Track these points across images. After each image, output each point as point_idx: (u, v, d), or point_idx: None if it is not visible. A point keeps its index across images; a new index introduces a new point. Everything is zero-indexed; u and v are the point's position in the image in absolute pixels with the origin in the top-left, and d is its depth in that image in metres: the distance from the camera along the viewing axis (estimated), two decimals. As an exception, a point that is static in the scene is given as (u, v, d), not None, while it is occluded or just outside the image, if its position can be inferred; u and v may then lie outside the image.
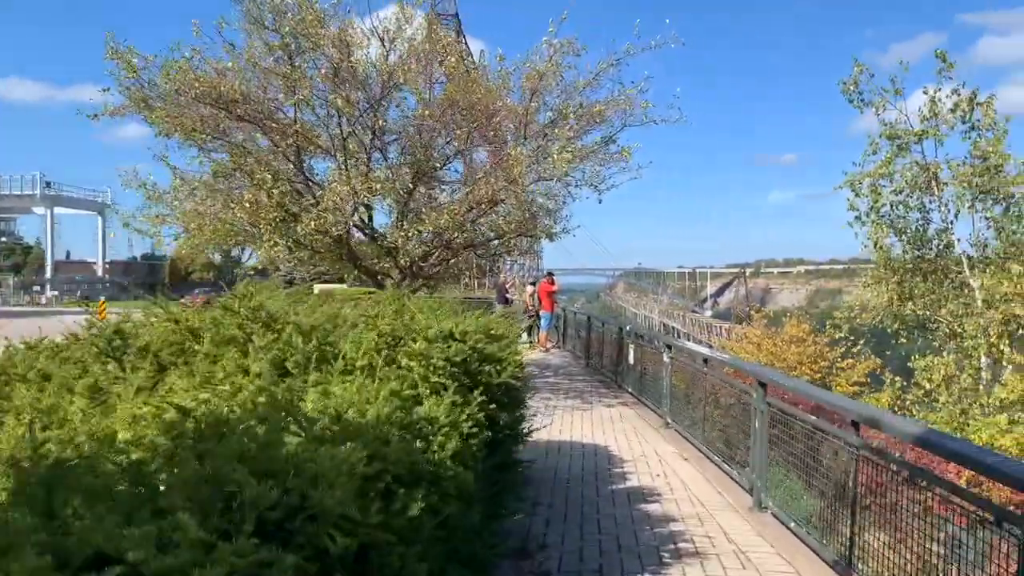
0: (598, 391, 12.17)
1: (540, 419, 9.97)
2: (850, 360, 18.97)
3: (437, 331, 3.83)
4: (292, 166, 9.86)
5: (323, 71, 9.40)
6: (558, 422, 9.63)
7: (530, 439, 8.09)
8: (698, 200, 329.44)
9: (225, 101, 9.46)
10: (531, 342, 19.18)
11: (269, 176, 9.07)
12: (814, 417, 4.98)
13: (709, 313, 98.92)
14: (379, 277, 11.45)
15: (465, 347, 3.85)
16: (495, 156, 10.09)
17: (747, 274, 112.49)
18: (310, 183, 9.67)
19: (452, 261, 12.27)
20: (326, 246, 10.61)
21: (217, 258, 75.32)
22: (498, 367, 4.08)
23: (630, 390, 11.46)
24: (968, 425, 10.52)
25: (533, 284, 19.34)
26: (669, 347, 9.07)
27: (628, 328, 12.13)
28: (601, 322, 14.44)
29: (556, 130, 9.59)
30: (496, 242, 12.02)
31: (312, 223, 9.03)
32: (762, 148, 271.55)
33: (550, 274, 18.50)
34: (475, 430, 3.42)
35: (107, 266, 72.47)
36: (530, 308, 19.13)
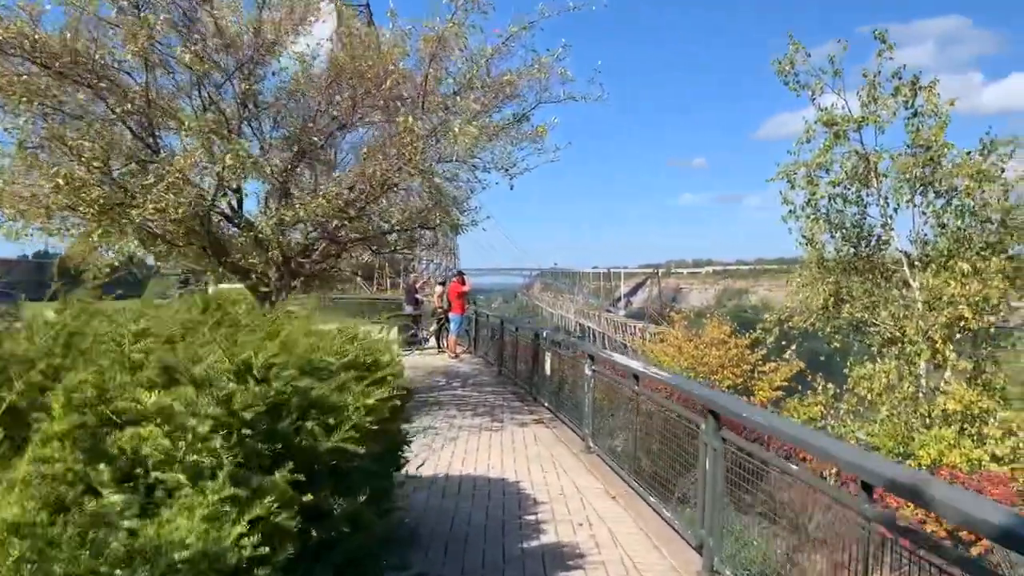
0: (510, 405, 10.73)
1: (441, 443, 8.50)
2: (772, 364, 18.30)
3: (222, 365, 2.25)
4: (133, 137, 7.96)
5: (163, 19, 7.53)
6: (462, 446, 8.12)
7: (426, 473, 6.58)
8: (613, 202, 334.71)
9: (43, 54, 7.52)
10: (440, 348, 17.61)
11: (94, 146, 7.18)
12: (796, 466, 3.66)
13: (623, 312, 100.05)
14: (253, 276, 9.64)
15: (270, 390, 2.29)
16: (386, 131, 8.46)
17: (660, 274, 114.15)
18: (154, 159, 7.76)
19: (341, 257, 10.55)
20: (181, 236, 8.75)
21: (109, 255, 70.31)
22: (333, 419, 2.51)
23: (546, 404, 10.07)
24: (912, 439, 9.64)
25: (442, 284, 17.75)
26: (591, 358, 7.70)
27: (545, 334, 10.74)
28: (515, 326, 13.01)
29: (460, 100, 8.06)
30: (393, 236, 10.37)
31: (151, 205, 7.20)
32: (674, 152, 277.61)
33: (460, 274, 16.96)
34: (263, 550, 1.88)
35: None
36: (439, 310, 17.56)
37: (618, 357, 7.10)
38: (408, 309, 24.56)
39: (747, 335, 18.77)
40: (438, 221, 9.74)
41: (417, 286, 24.35)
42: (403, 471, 4.33)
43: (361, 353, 3.41)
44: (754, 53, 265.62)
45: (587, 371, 7.64)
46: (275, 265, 9.20)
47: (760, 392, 17.21)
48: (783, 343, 15.02)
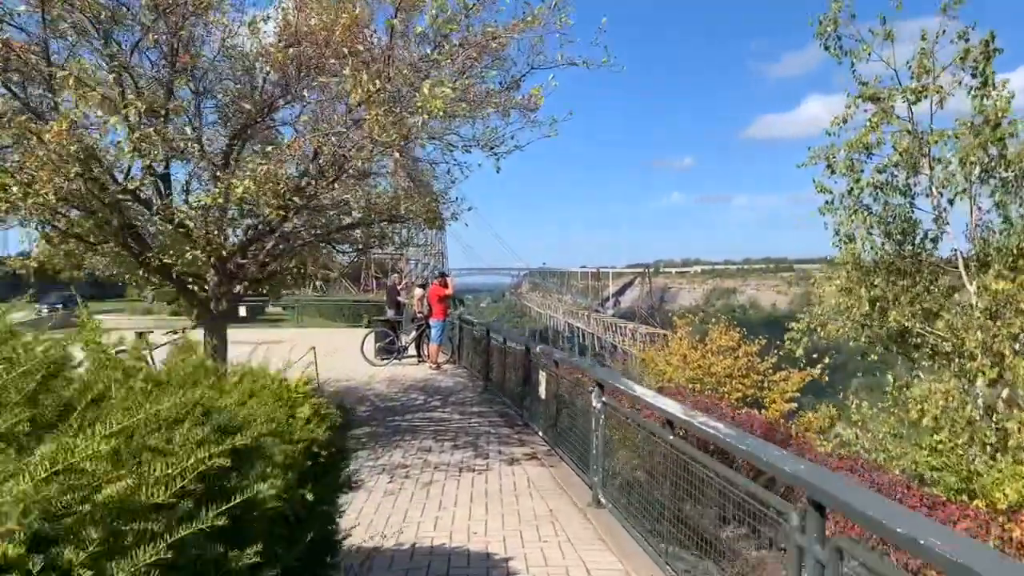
0: (498, 432, 9.03)
1: (410, 491, 6.79)
2: (783, 372, 16.75)
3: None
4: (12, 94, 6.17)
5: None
6: (435, 499, 6.41)
7: (388, 543, 4.91)
8: (600, 202, 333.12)
9: None
10: (420, 357, 15.88)
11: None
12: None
13: (611, 312, 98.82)
14: (187, 282, 7.91)
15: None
16: (339, 96, 6.72)
17: (649, 273, 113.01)
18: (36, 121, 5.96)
19: (293, 257, 8.81)
20: (92, 231, 7.01)
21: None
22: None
23: (541, 434, 8.39)
24: (977, 473, 8.03)
25: (422, 287, 16.03)
26: (601, 386, 6.02)
27: (538, 349, 9.05)
28: (502, 337, 11.30)
29: (435, 54, 6.34)
30: (358, 232, 8.66)
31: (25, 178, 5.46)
32: (661, 152, 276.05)
33: (443, 275, 15.27)
34: None
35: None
36: (418, 315, 15.83)
37: (641, 390, 5.40)
38: (389, 313, 22.87)
39: (754, 341, 17.26)
40: (411, 213, 8.02)
41: (399, 288, 22.59)
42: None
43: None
44: (739, 52, 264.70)
45: (595, 403, 5.96)
46: (211, 267, 7.48)
47: (772, 406, 15.65)
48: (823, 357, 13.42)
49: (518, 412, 9.67)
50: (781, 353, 14.53)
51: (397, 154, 6.80)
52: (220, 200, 6.16)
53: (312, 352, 10.41)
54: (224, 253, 7.38)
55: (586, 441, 6.33)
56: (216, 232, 7.00)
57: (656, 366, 18.24)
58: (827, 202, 9.17)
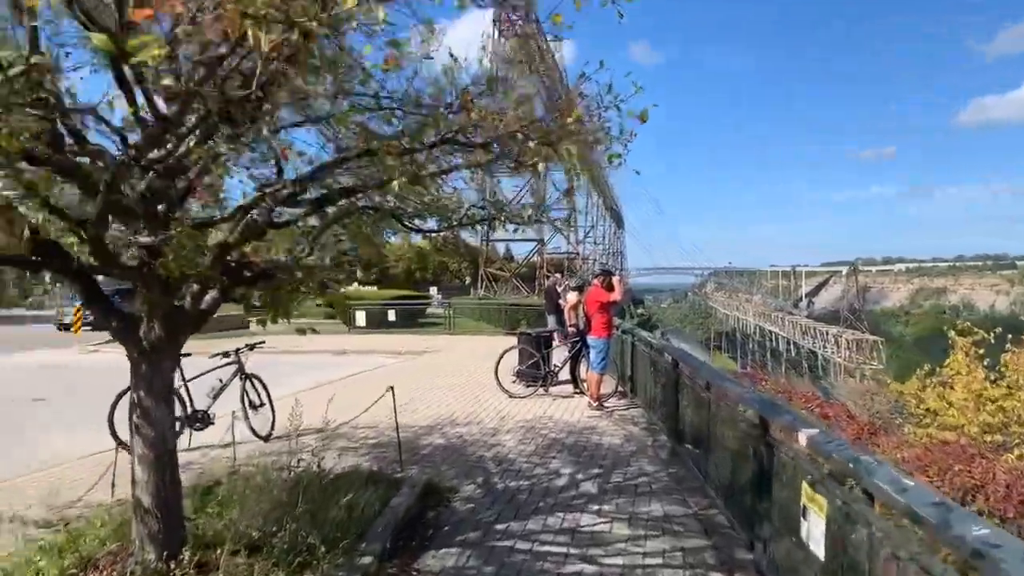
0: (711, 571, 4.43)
1: None
2: None
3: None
4: None
5: None
6: None
7: None
8: (791, 196, 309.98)
9: None
10: (576, 387, 11.43)
11: None
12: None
13: (805, 314, 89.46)
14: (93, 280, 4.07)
15: None
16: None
17: (855, 272, 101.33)
18: None
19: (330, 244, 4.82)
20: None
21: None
22: None
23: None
24: None
25: (578, 290, 11.56)
26: None
27: (805, 436, 4.22)
28: (704, 382, 6.40)
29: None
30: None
31: None
32: (860, 141, 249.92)
33: (606, 272, 10.69)
34: None
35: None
36: (571, 329, 11.38)
37: None
38: (549, 321, 18.71)
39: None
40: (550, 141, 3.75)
41: (559, 290, 18.34)
42: None
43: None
44: (952, 30, 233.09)
45: None
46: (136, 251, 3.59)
47: None
48: None
49: (746, 535, 4.98)
50: None
51: None
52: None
53: (389, 393, 6.41)
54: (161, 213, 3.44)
55: None
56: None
57: (922, 403, 12.50)
58: None
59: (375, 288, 37.27)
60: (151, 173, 3.37)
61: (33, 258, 3.59)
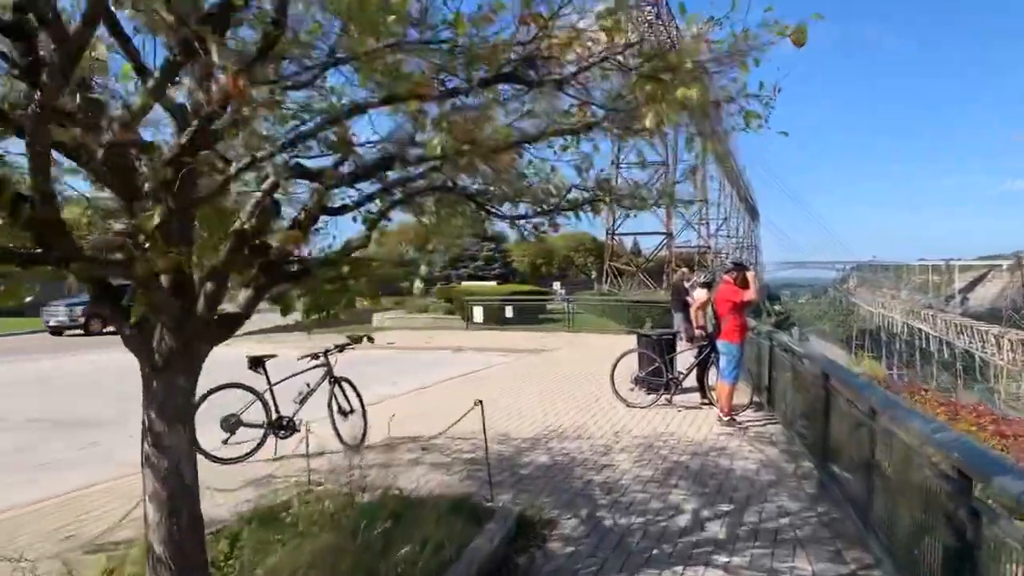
0: None
1: None
2: None
3: None
4: None
5: None
6: None
7: None
8: (943, 185, 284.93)
9: None
10: (704, 396, 10.13)
11: None
12: None
13: (958, 312, 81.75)
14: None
15: None
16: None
17: (1022, 263, 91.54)
18: None
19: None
20: None
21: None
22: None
23: None
24: None
25: (707, 286, 10.21)
26: None
27: (1011, 479, 2.95)
28: (868, 407, 5.02)
29: None
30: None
31: None
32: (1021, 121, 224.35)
33: (739, 266, 9.32)
34: None
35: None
36: (699, 332, 10.03)
37: None
38: (676, 320, 17.36)
39: None
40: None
41: (687, 286, 16.91)
42: None
43: None
44: None
45: None
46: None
47: None
48: None
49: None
50: None
51: None
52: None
53: (479, 408, 5.53)
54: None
55: None
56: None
57: None
58: None
59: (495, 283, 36.83)
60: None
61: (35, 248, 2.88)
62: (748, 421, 8.97)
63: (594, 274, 72.71)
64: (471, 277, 40.77)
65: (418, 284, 3.77)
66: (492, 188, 4.46)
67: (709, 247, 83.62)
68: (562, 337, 22.14)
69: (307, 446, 6.26)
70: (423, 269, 3.75)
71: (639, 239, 77.37)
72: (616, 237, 71.16)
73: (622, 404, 10.02)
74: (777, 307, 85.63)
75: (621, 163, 49.92)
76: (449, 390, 11.97)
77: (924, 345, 75.10)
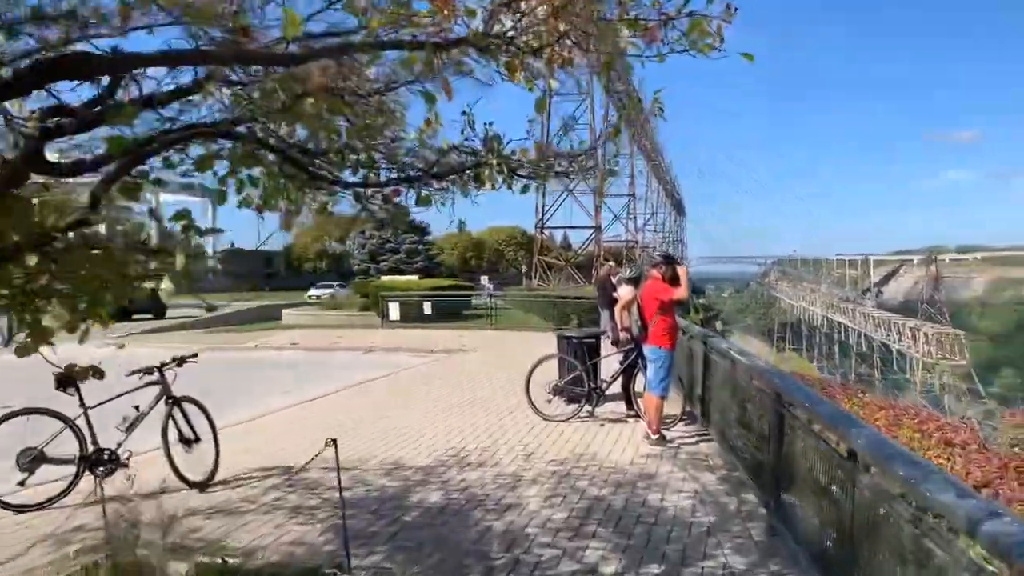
0: None
1: None
2: None
3: None
4: None
5: None
6: None
7: None
8: (858, 183, 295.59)
9: None
10: (630, 408, 8.92)
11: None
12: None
13: (872, 304, 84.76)
14: None
15: None
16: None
17: (935, 260, 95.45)
18: None
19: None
20: None
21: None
22: None
23: None
24: None
25: (633, 281, 8.96)
26: None
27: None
28: (847, 450, 3.79)
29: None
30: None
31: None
32: (936, 124, 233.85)
33: (669, 261, 8.07)
34: None
35: (218, 255, 68.03)
36: (623, 334, 8.74)
37: None
38: (603, 318, 16.23)
39: None
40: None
41: (614, 280, 15.77)
42: None
43: None
44: None
45: None
46: None
47: None
48: None
49: None
50: None
51: None
52: None
53: (331, 447, 4.08)
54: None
55: None
56: None
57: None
58: None
59: (416, 278, 35.11)
60: None
61: None
62: (680, 437, 7.77)
63: (524, 268, 71.73)
64: (392, 271, 38.87)
65: (167, 284, 2.30)
66: (324, 141, 3.07)
67: (637, 241, 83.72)
68: (483, 336, 20.79)
69: (99, 489, 4.70)
70: (181, 261, 2.29)
71: (569, 233, 76.72)
72: (546, 231, 70.28)
73: (539, 417, 8.72)
74: (702, 301, 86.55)
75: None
76: (342, 402, 10.45)
77: (843, 338, 77.13)
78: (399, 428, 8.52)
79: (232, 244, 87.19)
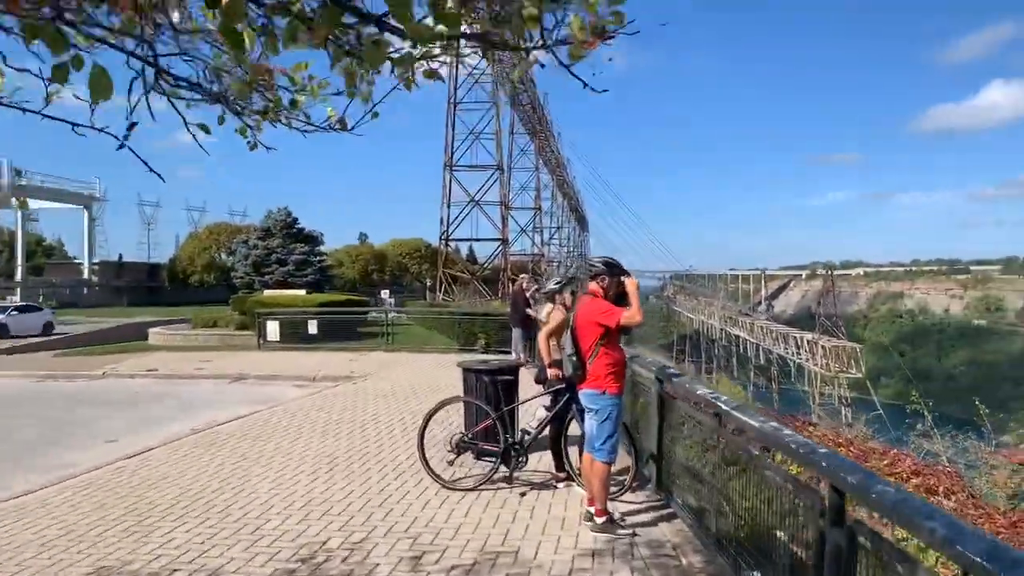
0: None
1: None
2: None
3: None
4: None
5: None
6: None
7: None
8: (750, 201, 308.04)
9: None
10: (564, 472, 6.69)
11: None
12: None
13: (764, 317, 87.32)
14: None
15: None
16: None
17: (831, 274, 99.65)
18: None
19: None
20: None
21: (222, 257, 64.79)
22: None
23: None
24: None
25: (554, 293, 6.76)
26: None
27: None
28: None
29: None
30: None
31: None
32: (819, 147, 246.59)
33: (612, 269, 5.92)
34: None
35: (95, 267, 62.09)
36: (554, 372, 6.52)
37: None
38: (515, 337, 14.34)
39: None
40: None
41: (528, 296, 13.71)
42: None
43: None
44: (910, 36, 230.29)
45: None
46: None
47: None
48: None
49: None
50: None
51: None
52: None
53: None
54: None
55: None
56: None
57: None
58: None
59: (304, 292, 31.83)
60: None
61: None
62: (633, 513, 5.64)
63: (429, 282, 68.95)
64: (280, 284, 35.35)
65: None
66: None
67: (543, 255, 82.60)
68: (378, 359, 18.18)
69: None
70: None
71: (475, 246, 74.61)
72: (451, 243, 67.80)
73: (438, 484, 6.41)
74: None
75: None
76: (172, 462, 7.77)
77: (741, 350, 78.35)
78: (235, 508, 6.01)
79: (120, 257, 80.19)
